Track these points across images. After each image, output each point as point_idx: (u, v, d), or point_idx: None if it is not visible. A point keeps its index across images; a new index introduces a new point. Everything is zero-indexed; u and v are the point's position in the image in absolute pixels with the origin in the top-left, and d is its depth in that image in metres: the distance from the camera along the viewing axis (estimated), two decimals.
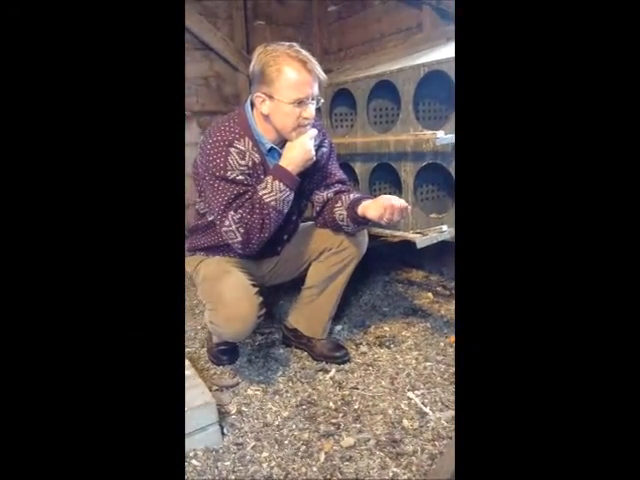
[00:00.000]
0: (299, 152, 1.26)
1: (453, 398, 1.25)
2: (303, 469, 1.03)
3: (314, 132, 1.30)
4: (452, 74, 1.48)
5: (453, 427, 1.12)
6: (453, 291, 1.97)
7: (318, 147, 1.35)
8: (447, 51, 1.62)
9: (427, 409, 1.21)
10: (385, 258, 2.25)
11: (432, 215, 1.71)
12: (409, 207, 1.31)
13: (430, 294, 1.97)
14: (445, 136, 1.50)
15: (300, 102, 1.23)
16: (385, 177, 1.86)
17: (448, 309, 1.82)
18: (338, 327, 1.71)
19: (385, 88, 1.74)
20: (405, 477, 0.99)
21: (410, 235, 1.56)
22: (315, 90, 1.25)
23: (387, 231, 1.61)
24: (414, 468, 1.02)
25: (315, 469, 1.03)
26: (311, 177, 1.39)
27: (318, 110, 1.35)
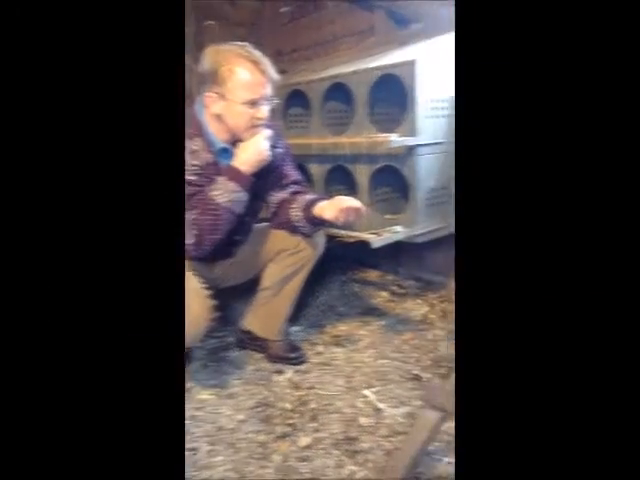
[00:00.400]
0: (253, 152, 1.26)
1: (408, 394, 1.27)
2: (259, 471, 1.02)
3: (268, 132, 1.29)
4: (405, 78, 1.52)
5: (408, 423, 1.15)
6: (408, 290, 2.01)
7: (272, 147, 1.35)
8: (399, 55, 1.65)
9: (382, 406, 1.23)
10: (341, 258, 2.26)
11: (387, 216, 1.74)
12: (364, 208, 1.33)
13: (386, 293, 2.01)
14: (399, 139, 1.54)
15: (253, 102, 1.22)
16: (341, 178, 1.88)
17: (403, 307, 1.86)
18: (295, 328, 1.70)
19: (339, 90, 1.75)
20: (361, 474, 1.00)
21: (366, 235, 1.58)
22: (268, 90, 1.24)
23: (343, 232, 1.63)
24: (370, 465, 1.03)
25: (271, 470, 1.02)
26: (266, 178, 1.38)
27: (272, 111, 1.35)
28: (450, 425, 1.11)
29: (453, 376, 1.01)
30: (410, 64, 1.48)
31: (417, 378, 1.35)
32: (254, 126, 1.26)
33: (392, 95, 1.66)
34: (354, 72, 1.66)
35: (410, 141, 1.55)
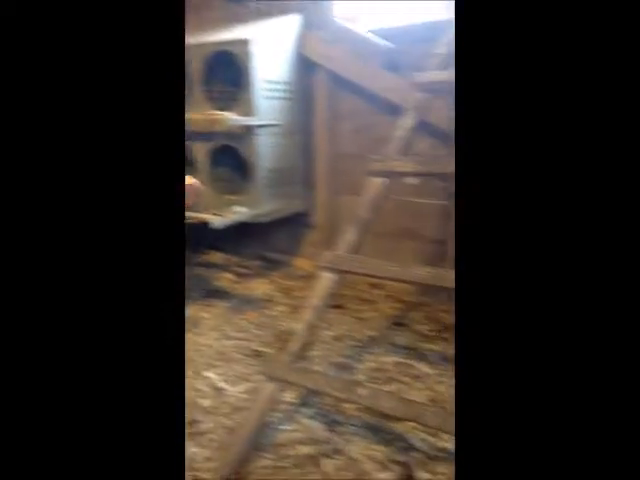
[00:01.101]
0: None
1: (247, 371, 1.30)
2: None
3: None
4: (239, 56, 1.50)
5: (248, 398, 1.17)
6: (252, 270, 2.04)
7: None
8: (234, 33, 1.63)
9: (224, 385, 1.24)
10: None
11: (227, 196, 1.72)
12: (201, 186, 1.30)
13: (230, 274, 2.00)
14: (236, 118, 1.53)
15: None
16: None
17: (247, 287, 1.88)
18: None
19: None
20: (204, 455, 1.00)
21: (206, 216, 1.55)
22: None
23: None
24: (214, 444, 1.03)
25: None
26: None
27: None
28: (287, 394, 1.17)
29: (290, 346, 1.07)
30: (244, 42, 1.47)
31: (258, 354, 1.38)
32: None
33: (228, 73, 1.63)
34: (187, 46, 1.59)
35: (248, 121, 1.55)
